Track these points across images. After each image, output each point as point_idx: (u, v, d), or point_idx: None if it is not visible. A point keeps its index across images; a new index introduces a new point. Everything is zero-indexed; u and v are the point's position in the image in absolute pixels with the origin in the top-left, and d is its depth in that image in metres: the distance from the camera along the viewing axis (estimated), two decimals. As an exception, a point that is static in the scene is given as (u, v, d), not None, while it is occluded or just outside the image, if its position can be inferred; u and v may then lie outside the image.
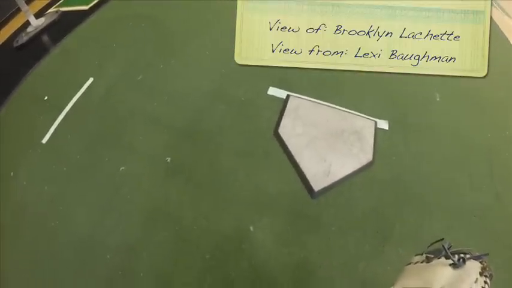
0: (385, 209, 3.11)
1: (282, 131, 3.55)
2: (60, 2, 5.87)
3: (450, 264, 0.65)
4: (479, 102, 4.12)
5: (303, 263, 2.80)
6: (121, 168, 3.37)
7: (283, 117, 3.66)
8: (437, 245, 0.71)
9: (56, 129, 3.77)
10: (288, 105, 3.77)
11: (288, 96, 3.88)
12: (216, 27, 4.78)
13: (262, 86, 4.00)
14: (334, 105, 3.83)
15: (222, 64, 4.26)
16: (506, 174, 3.49)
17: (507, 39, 5.08)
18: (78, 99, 4.02)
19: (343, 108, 3.82)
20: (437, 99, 4.07)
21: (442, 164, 3.46)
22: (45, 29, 5.19)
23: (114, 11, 5.30)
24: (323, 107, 3.79)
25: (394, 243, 2.90)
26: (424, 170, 3.40)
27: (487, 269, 0.63)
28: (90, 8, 5.41)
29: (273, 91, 3.94)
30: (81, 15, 5.26)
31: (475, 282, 0.60)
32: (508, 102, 4.24)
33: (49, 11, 5.66)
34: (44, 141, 3.69)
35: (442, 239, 0.72)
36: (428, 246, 0.74)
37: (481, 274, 0.62)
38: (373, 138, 3.54)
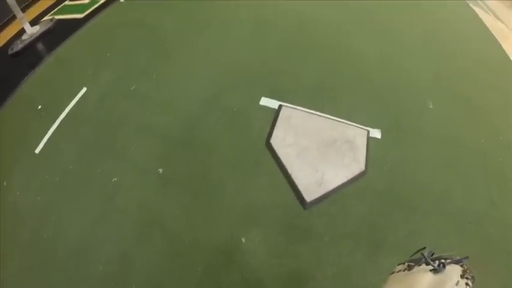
0: (378, 218, 3.11)
1: (273, 141, 3.54)
2: (56, 10, 5.89)
3: (431, 270, 0.68)
4: (473, 108, 4.13)
5: (296, 274, 2.79)
6: (113, 180, 3.36)
7: (275, 127, 3.65)
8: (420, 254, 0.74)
9: (49, 139, 3.77)
10: (280, 115, 3.76)
11: (280, 106, 3.88)
12: (208, 38, 4.80)
13: (255, 96, 4.00)
14: (326, 115, 3.82)
15: (214, 75, 4.27)
16: (501, 180, 3.50)
17: (500, 44, 5.11)
18: (71, 109, 4.02)
19: (335, 118, 3.81)
20: (430, 106, 4.08)
21: (436, 172, 3.47)
22: (40, 37, 5.21)
23: (109, 20, 5.32)
24: (315, 116, 3.78)
25: (387, 252, 2.90)
26: (417, 178, 3.40)
27: (468, 271, 0.67)
28: (85, 16, 5.43)
29: (265, 101, 3.94)
30: (76, 24, 5.28)
31: (456, 284, 0.64)
32: (501, 107, 4.27)
33: (44, 18, 5.67)
34: (37, 150, 3.69)
35: (424, 247, 0.75)
36: (411, 256, 0.78)
37: (462, 277, 0.65)
38: (365, 147, 3.53)
